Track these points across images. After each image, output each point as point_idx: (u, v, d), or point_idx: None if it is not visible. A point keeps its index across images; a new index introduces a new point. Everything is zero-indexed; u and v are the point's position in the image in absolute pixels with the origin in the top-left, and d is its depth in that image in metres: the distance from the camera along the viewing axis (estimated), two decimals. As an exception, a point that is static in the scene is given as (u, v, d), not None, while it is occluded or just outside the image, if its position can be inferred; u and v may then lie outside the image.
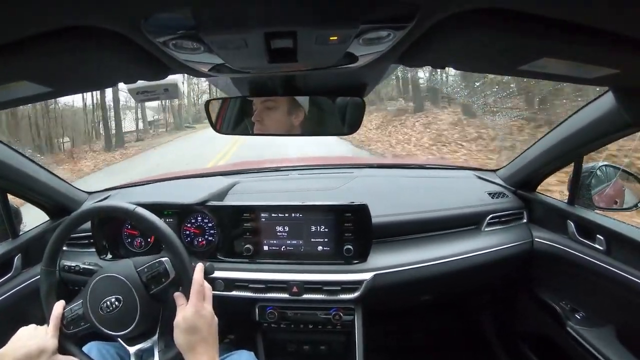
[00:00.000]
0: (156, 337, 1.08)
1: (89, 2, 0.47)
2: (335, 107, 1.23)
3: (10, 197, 1.49)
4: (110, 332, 1.06)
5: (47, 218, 1.72)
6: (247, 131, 1.28)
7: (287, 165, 2.22)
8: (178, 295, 1.05)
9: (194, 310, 1.00)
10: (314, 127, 1.26)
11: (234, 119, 1.29)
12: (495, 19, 0.54)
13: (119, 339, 1.09)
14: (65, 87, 0.88)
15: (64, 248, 1.40)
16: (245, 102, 1.26)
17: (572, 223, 1.50)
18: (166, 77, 0.84)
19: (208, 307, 1.04)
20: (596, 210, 1.46)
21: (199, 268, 1.09)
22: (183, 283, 1.07)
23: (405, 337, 2.22)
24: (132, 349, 1.09)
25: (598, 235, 1.38)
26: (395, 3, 0.50)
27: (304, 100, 1.21)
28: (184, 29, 0.54)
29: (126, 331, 1.05)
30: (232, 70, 0.75)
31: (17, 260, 1.50)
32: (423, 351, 2.16)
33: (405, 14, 0.52)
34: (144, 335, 1.08)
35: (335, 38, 0.58)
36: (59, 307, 1.09)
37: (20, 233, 1.56)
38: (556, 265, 1.56)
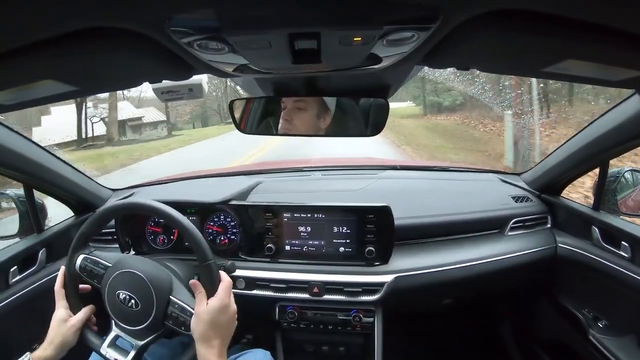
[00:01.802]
0: (141, 343, 1.12)
1: (114, 4, 0.49)
2: (359, 109, 1.26)
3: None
4: (110, 313, 1.13)
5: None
6: (272, 131, 1.33)
7: (309, 165, 2.26)
8: (194, 283, 1.08)
9: (221, 305, 1.04)
10: (338, 128, 1.29)
11: (258, 118, 1.34)
12: (519, 20, 0.55)
13: (111, 319, 1.14)
14: (90, 86, 0.91)
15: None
16: (269, 101, 1.31)
17: (596, 229, 1.50)
18: (190, 77, 0.86)
19: (234, 306, 1.09)
20: (622, 216, 1.46)
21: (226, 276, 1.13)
22: (203, 272, 1.10)
23: (423, 341, 2.25)
24: (117, 331, 1.14)
25: (623, 242, 1.38)
26: (419, 4, 0.52)
27: (331, 102, 1.25)
28: (208, 30, 0.55)
29: (123, 325, 1.12)
30: (256, 70, 0.77)
31: (41, 254, 1.57)
32: (441, 355, 2.19)
33: (429, 15, 0.53)
34: (132, 333, 1.13)
35: (359, 39, 0.59)
36: (63, 269, 1.21)
37: (45, 228, 1.63)
38: (579, 271, 1.57)
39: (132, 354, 1.10)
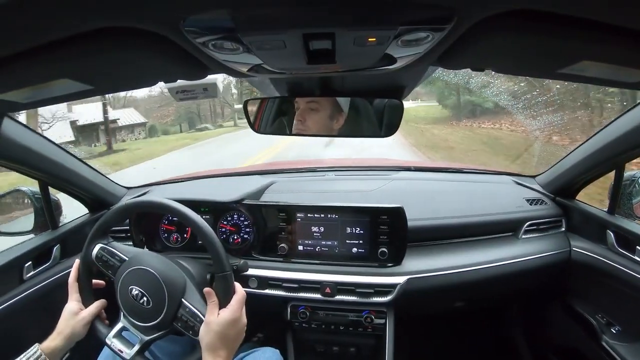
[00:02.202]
0: (147, 338, 1.13)
1: (129, 4, 0.50)
2: (373, 110, 1.27)
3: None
4: (120, 306, 1.15)
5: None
6: (285, 131, 1.34)
7: (323, 166, 2.27)
8: (208, 292, 1.09)
9: (232, 318, 1.05)
10: (352, 128, 1.30)
11: (272, 118, 1.35)
12: (533, 21, 0.55)
13: (121, 312, 1.17)
14: (106, 86, 0.94)
15: None
16: (283, 101, 1.32)
17: (611, 233, 1.50)
18: (205, 76, 0.87)
19: (244, 319, 1.10)
20: (637, 221, 1.45)
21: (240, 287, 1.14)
22: (219, 282, 1.11)
23: (435, 344, 2.25)
24: (125, 323, 1.16)
25: (638, 247, 1.38)
26: (433, 5, 0.52)
27: (345, 103, 1.26)
28: (223, 30, 0.56)
29: (132, 319, 1.14)
30: (270, 71, 0.78)
31: (55, 250, 1.61)
32: (452, 357, 2.20)
33: (443, 16, 0.54)
34: (140, 328, 1.15)
35: (374, 39, 0.60)
36: (77, 263, 1.24)
37: (60, 224, 1.66)
38: (593, 276, 1.57)
39: (136, 347, 1.12)
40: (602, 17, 0.52)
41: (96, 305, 1.20)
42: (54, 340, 1.10)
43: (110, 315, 1.24)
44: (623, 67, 0.70)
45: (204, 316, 1.08)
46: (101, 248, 1.21)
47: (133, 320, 1.13)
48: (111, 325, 1.19)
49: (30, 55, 0.60)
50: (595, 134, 1.49)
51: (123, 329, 1.16)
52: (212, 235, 1.13)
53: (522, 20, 0.55)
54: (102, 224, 1.23)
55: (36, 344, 1.08)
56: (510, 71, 0.92)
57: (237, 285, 1.12)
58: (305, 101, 1.27)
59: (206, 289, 1.10)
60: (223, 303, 1.08)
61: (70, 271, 1.33)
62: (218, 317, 1.04)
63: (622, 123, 1.33)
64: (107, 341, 1.14)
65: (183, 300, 1.11)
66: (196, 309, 1.10)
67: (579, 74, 0.78)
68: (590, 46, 0.61)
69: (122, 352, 1.12)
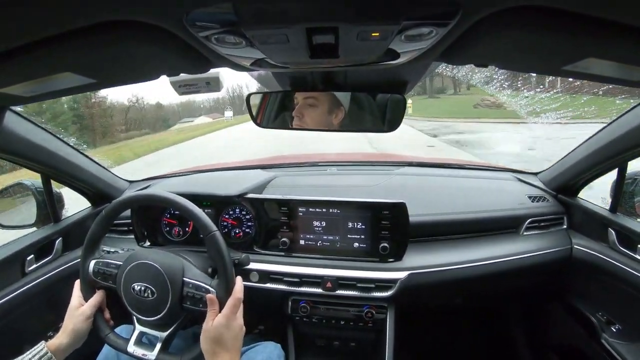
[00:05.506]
0: (165, 335, 1.16)
1: None
2: (375, 104, 1.28)
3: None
4: (129, 309, 1.17)
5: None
6: (287, 125, 1.35)
7: (326, 160, 2.29)
8: (210, 298, 1.11)
9: (224, 323, 1.08)
10: (353, 123, 1.31)
11: (274, 112, 1.36)
12: (538, 17, 0.56)
13: (133, 315, 1.19)
14: (108, 80, 0.94)
15: None
16: (285, 96, 1.33)
17: (613, 231, 1.51)
18: (208, 70, 0.88)
19: (239, 320, 1.13)
20: (639, 219, 1.46)
21: (240, 282, 1.16)
22: (221, 284, 1.13)
23: (435, 340, 2.28)
24: (140, 328, 1.19)
25: (639, 246, 1.39)
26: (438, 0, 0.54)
27: (344, 97, 1.27)
28: (226, 23, 0.57)
29: (142, 317, 1.16)
30: (273, 65, 0.79)
31: (57, 243, 1.63)
32: (452, 354, 2.22)
33: (448, 11, 0.54)
34: (155, 326, 1.18)
35: (377, 34, 0.60)
36: (78, 285, 1.25)
37: (62, 218, 1.68)
38: (594, 274, 1.58)
39: (158, 346, 1.15)
40: (608, 14, 0.53)
41: (95, 298, 1.22)
42: (59, 338, 1.13)
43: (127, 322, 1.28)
44: (628, 65, 0.71)
45: (208, 286, 1.12)
46: (96, 263, 1.24)
47: (145, 319, 1.16)
48: (126, 332, 1.23)
49: (33, 49, 0.61)
50: (599, 131, 1.49)
51: (141, 334, 1.19)
52: (188, 204, 1.17)
53: (528, 16, 0.56)
54: (90, 238, 1.26)
55: (42, 341, 1.11)
56: (515, 68, 0.92)
57: (237, 288, 1.14)
58: (302, 97, 1.28)
59: (209, 296, 1.11)
60: (219, 265, 1.13)
61: (72, 264, 1.33)
62: (212, 324, 1.07)
63: (626, 121, 1.34)
64: (129, 350, 1.17)
65: (184, 278, 1.14)
66: (198, 281, 1.14)
67: (583, 72, 0.78)
68: (596, 43, 0.62)
69: (145, 355, 1.15)
